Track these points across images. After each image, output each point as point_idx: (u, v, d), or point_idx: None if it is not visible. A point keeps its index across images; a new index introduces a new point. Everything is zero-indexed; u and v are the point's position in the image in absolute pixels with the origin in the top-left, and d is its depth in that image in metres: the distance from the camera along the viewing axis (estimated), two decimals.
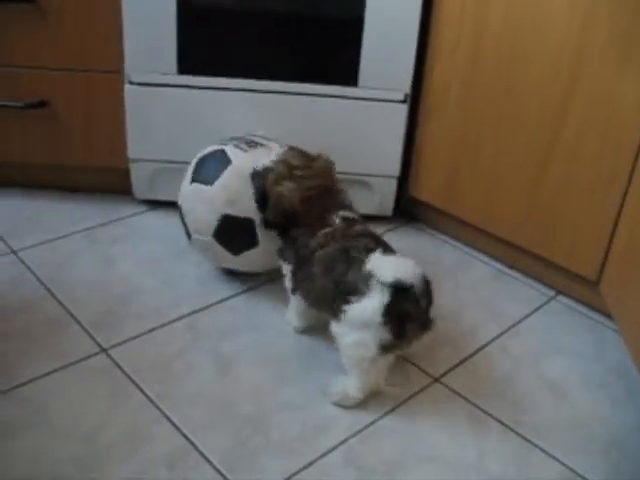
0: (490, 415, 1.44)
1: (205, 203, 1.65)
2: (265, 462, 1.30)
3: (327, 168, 1.57)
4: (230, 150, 1.67)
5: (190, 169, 1.70)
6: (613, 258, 1.62)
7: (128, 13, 1.80)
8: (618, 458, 1.37)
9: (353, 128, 1.90)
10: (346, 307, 1.36)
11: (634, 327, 1.46)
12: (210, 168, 1.66)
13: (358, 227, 1.48)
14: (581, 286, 1.78)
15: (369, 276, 1.33)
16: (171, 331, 1.60)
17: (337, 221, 1.48)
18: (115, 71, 1.88)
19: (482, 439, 1.39)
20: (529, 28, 1.64)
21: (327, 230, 1.47)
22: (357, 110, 1.89)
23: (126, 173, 2.02)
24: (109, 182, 2.10)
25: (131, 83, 1.88)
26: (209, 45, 1.85)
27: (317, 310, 1.52)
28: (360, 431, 1.39)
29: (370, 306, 1.32)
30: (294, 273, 1.53)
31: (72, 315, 1.62)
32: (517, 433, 1.41)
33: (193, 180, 1.68)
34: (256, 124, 1.88)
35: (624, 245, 1.57)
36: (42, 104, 1.92)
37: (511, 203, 1.80)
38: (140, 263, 1.83)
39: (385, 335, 1.33)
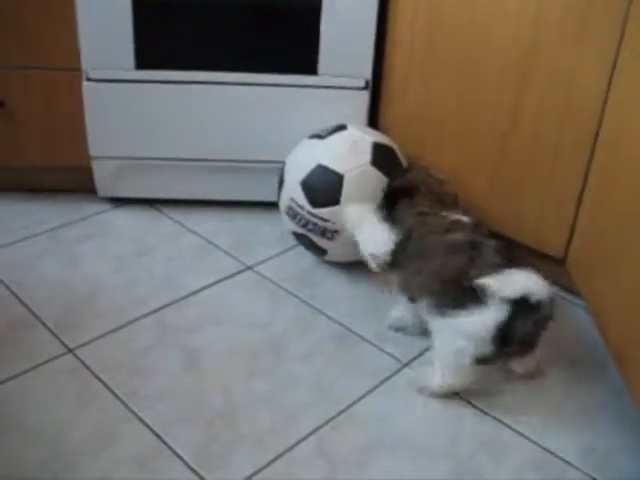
0: (466, 400, 1.46)
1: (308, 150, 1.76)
2: (236, 456, 1.30)
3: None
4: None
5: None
6: (577, 237, 1.63)
7: (82, 9, 1.77)
8: None
9: (315, 117, 1.88)
10: (462, 313, 1.33)
11: (602, 300, 1.48)
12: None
13: (485, 229, 1.48)
14: (547, 265, 1.78)
15: (490, 285, 1.30)
16: (138, 328, 1.59)
17: (453, 218, 1.48)
18: (73, 68, 1.85)
19: (455, 422, 1.40)
20: (485, 4, 1.64)
21: (455, 219, 1.47)
22: (318, 99, 1.88)
23: (89, 171, 1.99)
24: (73, 181, 2.07)
25: (89, 80, 1.85)
26: (166, 39, 1.83)
27: (407, 292, 1.50)
28: (330, 420, 1.39)
29: (484, 322, 1.31)
30: (400, 246, 1.49)
31: (37, 316, 1.60)
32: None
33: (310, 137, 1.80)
34: (216, 117, 1.89)
35: (587, 223, 1.58)
36: None
37: (473, 182, 1.80)
38: (106, 261, 1.81)
39: (487, 350, 1.34)
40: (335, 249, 1.76)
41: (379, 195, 1.63)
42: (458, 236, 1.43)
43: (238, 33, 1.83)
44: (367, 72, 1.86)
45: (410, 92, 1.85)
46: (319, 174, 1.70)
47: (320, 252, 1.79)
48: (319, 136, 1.77)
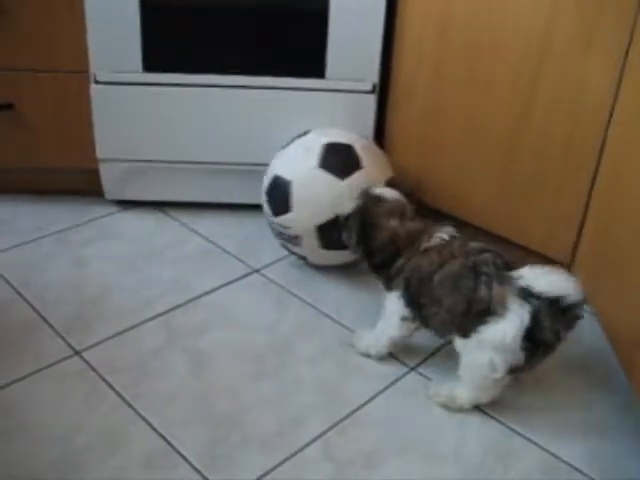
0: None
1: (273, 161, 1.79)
2: (243, 459, 1.30)
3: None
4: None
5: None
6: (584, 241, 1.63)
7: (90, 12, 1.78)
8: None
9: (322, 120, 1.88)
10: (481, 327, 1.32)
11: (609, 303, 1.49)
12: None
13: (474, 244, 1.42)
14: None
15: (506, 294, 1.29)
16: (146, 330, 1.59)
17: (437, 241, 1.43)
18: (81, 71, 1.86)
19: (462, 426, 1.41)
20: (497, 9, 1.64)
21: (438, 247, 1.42)
22: (325, 102, 1.89)
23: (97, 174, 2.00)
24: (80, 183, 2.08)
25: (97, 82, 1.86)
26: (174, 41, 1.83)
27: (437, 333, 1.46)
28: (337, 423, 1.39)
29: (510, 330, 1.28)
30: (409, 300, 1.45)
31: (44, 319, 1.60)
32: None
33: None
34: (224, 119, 1.90)
35: (594, 227, 1.58)
36: (8, 106, 1.89)
37: (482, 189, 1.80)
38: (113, 264, 1.82)
39: (517, 359, 1.32)
40: (309, 254, 1.77)
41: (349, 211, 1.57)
42: (454, 266, 1.38)
43: (246, 36, 1.84)
44: (374, 75, 1.87)
45: (418, 89, 1.84)
46: (275, 184, 1.74)
47: (301, 257, 1.81)
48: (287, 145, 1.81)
